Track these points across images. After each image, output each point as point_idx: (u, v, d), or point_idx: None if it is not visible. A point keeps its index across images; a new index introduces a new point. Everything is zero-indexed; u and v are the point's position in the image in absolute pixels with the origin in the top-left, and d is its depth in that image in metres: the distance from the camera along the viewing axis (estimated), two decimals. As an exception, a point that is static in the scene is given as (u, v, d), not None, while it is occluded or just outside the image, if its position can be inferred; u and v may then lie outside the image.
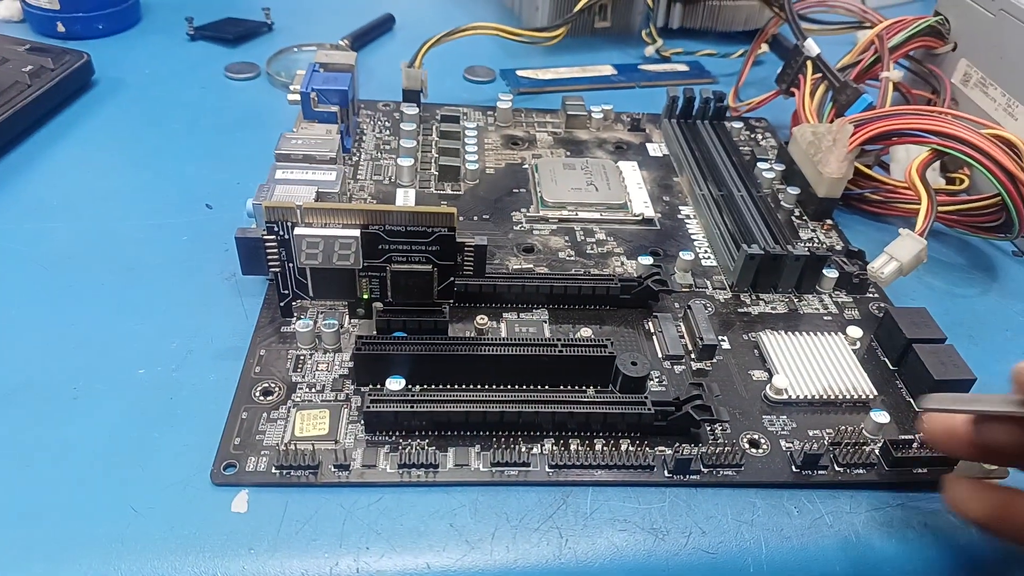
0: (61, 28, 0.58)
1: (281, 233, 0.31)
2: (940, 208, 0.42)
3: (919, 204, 0.41)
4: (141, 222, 0.42)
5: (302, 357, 0.34)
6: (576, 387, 0.34)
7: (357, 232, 0.31)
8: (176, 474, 0.30)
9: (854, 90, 0.48)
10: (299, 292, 0.34)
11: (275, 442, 0.31)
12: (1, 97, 0.47)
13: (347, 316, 0.36)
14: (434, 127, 0.51)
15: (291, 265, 0.33)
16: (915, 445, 0.32)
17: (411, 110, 0.51)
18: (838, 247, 0.44)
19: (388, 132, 0.50)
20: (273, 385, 0.33)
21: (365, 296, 0.34)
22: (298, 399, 0.33)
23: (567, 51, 0.62)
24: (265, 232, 0.31)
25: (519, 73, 0.59)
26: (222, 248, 0.40)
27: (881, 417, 0.33)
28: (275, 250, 0.32)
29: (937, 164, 0.46)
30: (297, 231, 0.31)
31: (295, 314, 0.36)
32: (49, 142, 0.48)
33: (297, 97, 0.44)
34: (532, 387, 0.33)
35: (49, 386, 0.33)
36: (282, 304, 0.34)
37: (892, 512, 0.31)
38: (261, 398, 0.32)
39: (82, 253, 0.39)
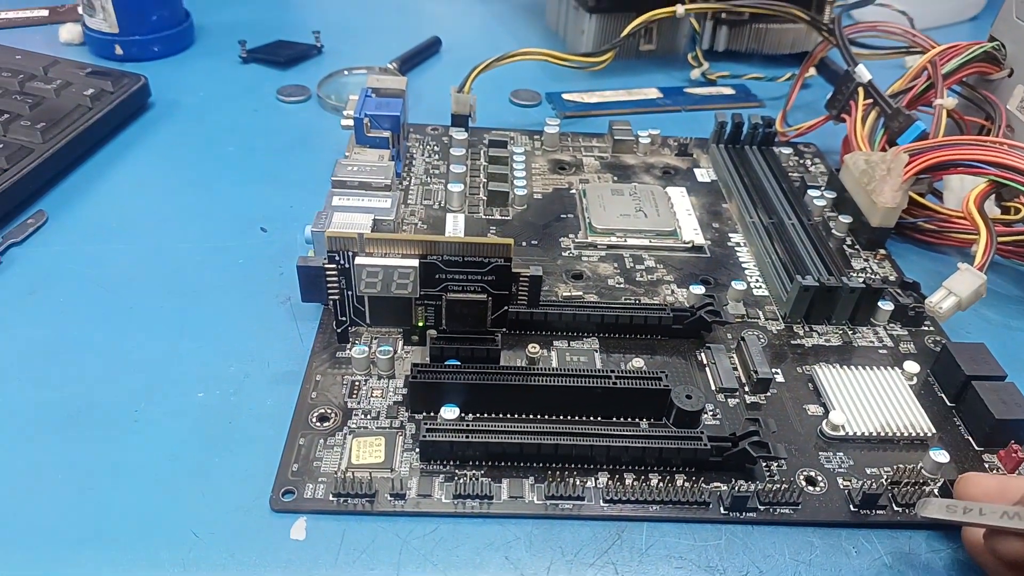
0: (119, 51, 0.60)
1: (341, 262, 0.32)
2: (999, 240, 0.42)
3: (975, 234, 0.40)
4: (199, 245, 0.43)
5: (357, 383, 0.35)
6: (629, 419, 0.34)
7: (416, 262, 0.32)
8: (236, 499, 0.30)
9: (907, 117, 0.48)
10: (356, 319, 0.34)
11: (332, 469, 0.31)
12: (64, 120, 0.48)
13: (401, 342, 0.37)
14: (482, 151, 0.51)
15: (350, 293, 0.33)
16: (977, 486, 0.31)
17: (460, 135, 0.51)
18: (892, 278, 0.43)
19: (437, 156, 0.51)
20: (329, 411, 0.33)
21: (420, 323, 0.35)
22: (354, 425, 0.33)
23: (612, 74, 0.62)
24: (326, 261, 0.32)
25: (565, 97, 0.60)
26: (277, 272, 0.41)
27: (941, 456, 0.32)
28: (335, 279, 0.32)
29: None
30: (358, 261, 0.31)
31: (351, 340, 0.36)
32: (108, 164, 0.49)
33: (350, 122, 0.44)
34: (585, 418, 0.33)
35: (111, 408, 0.33)
36: (339, 330, 0.35)
37: (953, 555, 0.30)
38: (318, 424, 0.33)
39: (142, 275, 0.40)
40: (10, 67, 0.52)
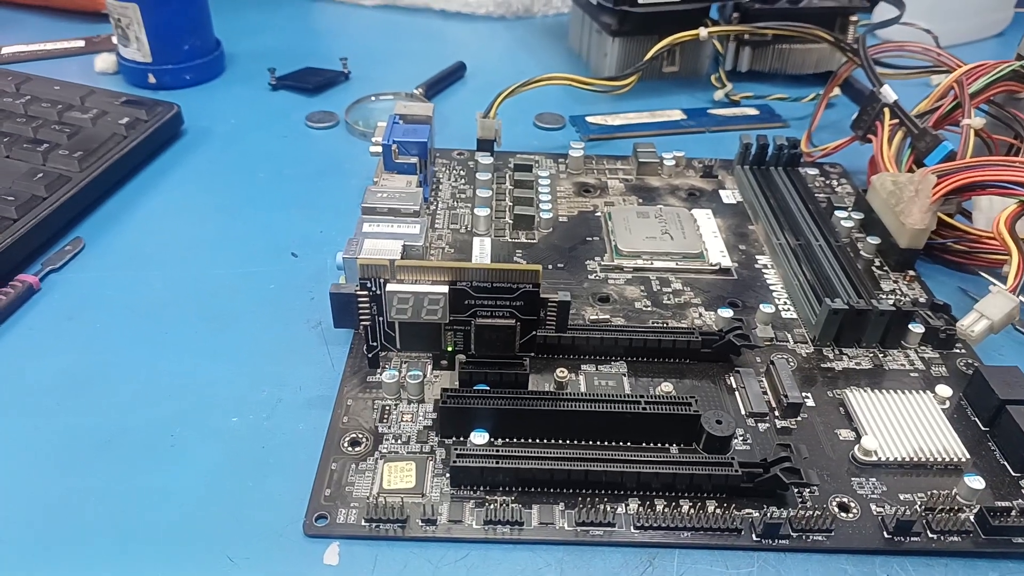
0: (152, 79, 0.61)
1: (373, 289, 0.32)
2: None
3: (1005, 255, 0.40)
4: (231, 270, 0.43)
5: (387, 407, 0.35)
6: (659, 444, 0.34)
7: (446, 288, 0.32)
8: (270, 524, 0.30)
9: (933, 137, 0.48)
10: (387, 344, 0.35)
11: (364, 494, 0.31)
12: (101, 149, 0.49)
13: (430, 367, 0.37)
14: (507, 175, 0.52)
15: (381, 319, 0.34)
16: (1014, 513, 0.31)
17: (486, 159, 0.52)
18: (922, 299, 0.43)
19: (463, 181, 0.51)
20: (360, 436, 0.34)
21: (450, 348, 0.35)
22: (385, 450, 0.33)
23: (636, 96, 0.63)
24: (358, 288, 0.32)
25: (588, 119, 0.60)
26: (307, 296, 0.42)
27: (976, 483, 0.32)
28: (367, 305, 0.33)
29: None
30: (389, 287, 0.32)
31: (381, 364, 0.37)
32: (143, 191, 0.50)
33: (379, 149, 0.45)
34: (614, 443, 0.34)
35: (148, 433, 0.34)
36: (369, 355, 0.35)
37: (991, 583, 0.30)
38: (349, 449, 0.33)
39: (176, 300, 0.41)
40: (49, 97, 0.54)
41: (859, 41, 0.55)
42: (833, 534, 0.30)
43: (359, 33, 0.75)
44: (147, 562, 0.29)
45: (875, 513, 0.31)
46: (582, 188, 0.52)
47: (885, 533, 0.31)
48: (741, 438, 0.34)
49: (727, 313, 0.40)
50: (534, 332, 0.34)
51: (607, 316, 0.41)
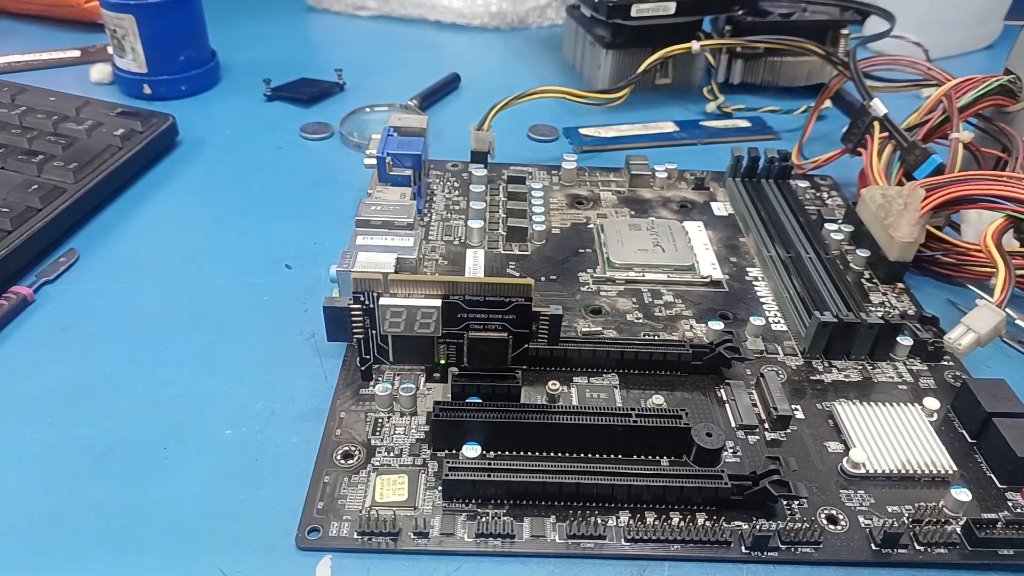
0: (147, 90, 0.62)
1: (366, 302, 0.33)
2: (1016, 273, 0.42)
3: (993, 268, 0.40)
4: (225, 281, 0.44)
5: (380, 420, 0.35)
6: (649, 457, 0.34)
7: (438, 302, 0.33)
8: (262, 537, 0.31)
9: (923, 151, 0.48)
10: (380, 357, 0.35)
11: (357, 507, 0.31)
12: (96, 160, 0.50)
13: (423, 379, 0.37)
14: (501, 187, 0.52)
15: (374, 332, 0.34)
16: (1000, 525, 0.31)
17: (479, 171, 0.52)
18: (911, 312, 0.43)
19: (457, 192, 0.52)
20: (353, 448, 0.34)
21: (442, 361, 0.35)
22: (377, 463, 0.33)
23: (628, 108, 0.63)
24: (352, 301, 0.33)
25: (582, 131, 0.61)
26: (301, 308, 0.42)
27: (962, 495, 0.32)
28: (360, 318, 0.33)
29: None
30: (383, 301, 0.32)
31: (374, 377, 0.37)
32: (137, 202, 0.50)
33: (373, 161, 0.45)
34: (605, 456, 0.34)
35: (141, 445, 0.34)
36: (363, 368, 0.35)
37: (978, 595, 0.30)
38: (342, 461, 0.33)
39: (171, 312, 0.41)
40: (44, 108, 0.54)
41: (850, 54, 0.56)
42: (821, 546, 0.31)
43: (354, 44, 0.75)
44: (140, 573, 0.29)
45: (863, 525, 0.32)
46: (575, 200, 0.52)
47: (873, 545, 0.31)
48: (731, 450, 0.35)
49: (718, 325, 0.40)
50: (526, 345, 0.34)
51: (599, 328, 0.41)
